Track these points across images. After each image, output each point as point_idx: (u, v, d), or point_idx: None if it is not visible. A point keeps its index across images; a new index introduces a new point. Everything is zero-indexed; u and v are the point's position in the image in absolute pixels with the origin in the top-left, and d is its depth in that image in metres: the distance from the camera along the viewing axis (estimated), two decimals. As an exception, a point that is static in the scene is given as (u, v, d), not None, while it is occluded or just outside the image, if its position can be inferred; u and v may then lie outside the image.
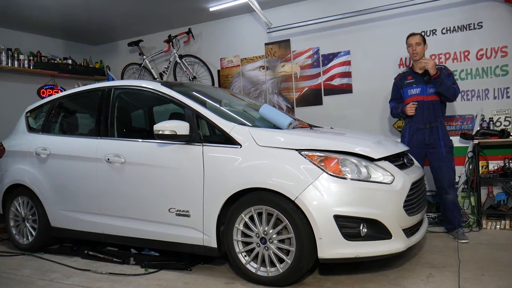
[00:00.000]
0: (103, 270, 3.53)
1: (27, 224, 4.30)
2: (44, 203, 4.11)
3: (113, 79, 6.71)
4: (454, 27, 4.87)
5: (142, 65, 6.72)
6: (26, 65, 6.14)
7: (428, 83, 4.07)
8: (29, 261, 4.00)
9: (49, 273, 3.59)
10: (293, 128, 3.41)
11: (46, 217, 4.12)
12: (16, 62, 6.03)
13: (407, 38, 4.21)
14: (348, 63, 5.48)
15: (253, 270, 3.03)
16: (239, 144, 3.12)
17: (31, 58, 6.25)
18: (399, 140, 4.29)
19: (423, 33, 4.66)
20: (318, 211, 2.76)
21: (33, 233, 4.24)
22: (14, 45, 6.11)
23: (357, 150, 2.97)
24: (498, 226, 4.33)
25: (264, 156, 3.01)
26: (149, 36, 6.91)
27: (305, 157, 2.90)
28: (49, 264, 3.86)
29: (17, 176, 4.32)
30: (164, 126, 3.24)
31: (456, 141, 4.55)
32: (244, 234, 3.07)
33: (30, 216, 4.28)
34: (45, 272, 3.63)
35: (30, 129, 4.52)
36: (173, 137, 3.25)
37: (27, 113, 4.64)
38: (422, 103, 4.10)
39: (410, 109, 4.13)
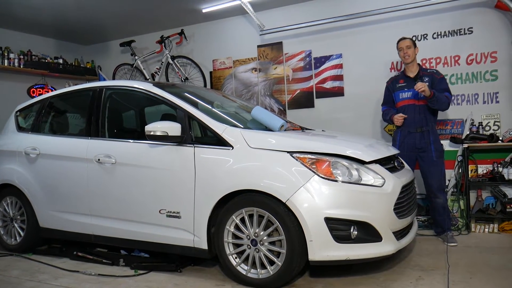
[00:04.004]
0: (92, 272, 3.50)
1: (16, 225, 4.25)
2: (33, 204, 4.07)
3: (104, 79, 6.68)
4: (445, 32, 4.92)
5: (134, 66, 6.70)
6: (16, 64, 6.10)
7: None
8: (17, 262, 3.95)
9: (38, 274, 3.55)
10: (285, 130, 3.42)
11: (35, 218, 4.08)
12: (6, 61, 5.98)
13: (398, 42, 4.24)
14: (340, 66, 5.50)
15: (244, 272, 3.03)
16: (230, 145, 3.12)
17: (22, 57, 6.20)
18: (391, 143, 4.31)
19: (414, 38, 4.71)
20: (309, 213, 2.77)
21: (22, 233, 4.19)
22: (4, 43, 6.06)
23: (348, 153, 2.98)
24: (486, 230, 4.36)
25: (255, 158, 3.01)
26: (141, 36, 6.89)
27: (297, 160, 2.90)
28: (38, 265, 3.82)
29: (5, 175, 4.28)
30: (156, 127, 3.23)
31: (446, 145, 4.59)
32: (235, 236, 3.06)
33: (19, 217, 4.23)
34: (34, 273, 3.60)
35: (20, 128, 4.47)
36: (165, 138, 3.24)
37: (16, 112, 4.59)
38: (414, 107, 4.13)
39: (397, 120, 4.17)
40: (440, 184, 4.09)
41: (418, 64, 4.29)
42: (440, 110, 4.22)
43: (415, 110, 4.13)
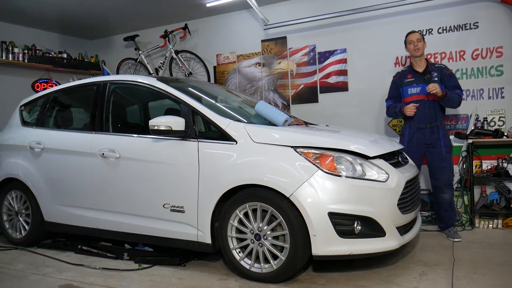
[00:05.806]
0: (97, 265, 3.53)
1: (21, 219, 4.28)
2: (37, 198, 4.09)
3: (108, 74, 6.68)
4: (450, 26, 4.89)
5: (138, 60, 6.70)
6: (20, 59, 6.10)
7: (429, 82, 4.04)
8: (22, 255, 3.98)
9: (42, 268, 3.58)
10: (289, 125, 3.41)
11: (40, 212, 4.10)
12: (10, 55, 5.99)
13: (407, 36, 4.21)
14: (344, 61, 5.48)
15: (247, 267, 3.03)
16: (234, 140, 3.12)
17: (26, 51, 6.21)
18: (398, 139, 4.29)
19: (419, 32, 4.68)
20: (312, 208, 2.77)
21: (26, 227, 4.22)
22: (8, 38, 6.06)
23: (352, 148, 2.97)
24: (490, 225, 4.36)
25: (259, 152, 3.01)
26: (145, 31, 6.89)
27: (301, 154, 2.90)
28: (42, 258, 3.85)
29: (10, 170, 4.30)
30: (160, 122, 3.23)
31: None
32: (239, 231, 3.07)
33: (24, 211, 4.26)
34: (38, 266, 3.62)
35: (24, 123, 4.49)
36: (169, 133, 3.24)
37: (21, 106, 4.61)
38: (423, 103, 4.09)
39: (410, 110, 4.08)
40: (449, 179, 4.08)
41: (426, 59, 4.26)
42: (451, 108, 4.19)
43: (424, 106, 4.09)
